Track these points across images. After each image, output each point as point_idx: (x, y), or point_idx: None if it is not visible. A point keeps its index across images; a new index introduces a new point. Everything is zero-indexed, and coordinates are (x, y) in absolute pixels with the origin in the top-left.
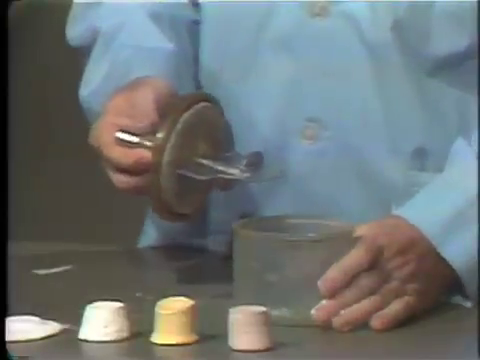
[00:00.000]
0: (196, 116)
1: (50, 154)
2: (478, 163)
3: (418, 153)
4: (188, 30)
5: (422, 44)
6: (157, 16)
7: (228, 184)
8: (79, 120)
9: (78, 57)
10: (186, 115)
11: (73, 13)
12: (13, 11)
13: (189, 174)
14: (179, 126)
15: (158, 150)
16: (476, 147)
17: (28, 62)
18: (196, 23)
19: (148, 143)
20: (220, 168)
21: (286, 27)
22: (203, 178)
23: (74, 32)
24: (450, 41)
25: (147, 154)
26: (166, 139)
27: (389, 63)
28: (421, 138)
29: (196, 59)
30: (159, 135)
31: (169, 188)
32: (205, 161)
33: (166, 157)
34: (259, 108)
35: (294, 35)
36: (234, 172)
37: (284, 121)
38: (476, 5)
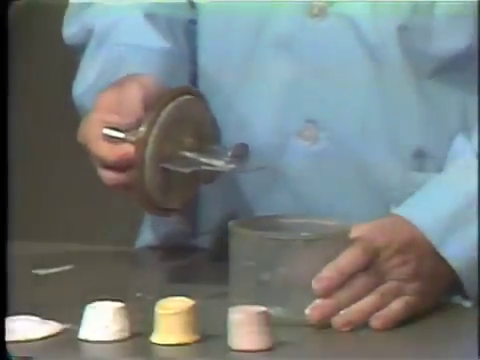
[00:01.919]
0: (179, 109)
1: (50, 154)
2: (478, 162)
3: (418, 155)
4: (185, 30)
5: (424, 45)
6: (153, 15)
7: (213, 176)
8: (79, 120)
9: (76, 56)
10: (168, 108)
11: (69, 12)
12: (13, 11)
13: (172, 167)
14: (161, 119)
15: (140, 144)
16: (476, 146)
17: (28, 62)
18: (193, 23)
19: (133, 138)
20: (204, 160)
21: (285, 28)
22: (187, 171)
23: (69, 31)
24: (452, 41)
25: (132, 150)
26: (148, 132)
27: (389, 64)
28: (421, 140)
29: (192, 59)
30: (141, 129)
31: (153, 182)
32: (189, 154)
33: (148, 151)
34: (258, 109)
35: (293, 36)
36: (218, 164)
37: (283, 122)
38: (476, 5)
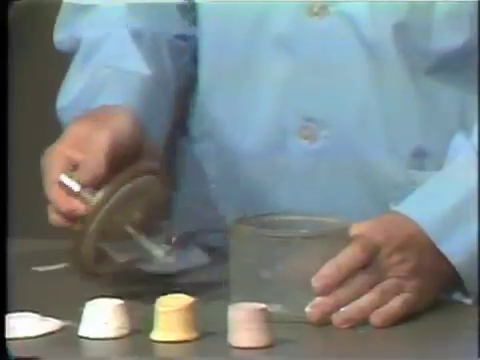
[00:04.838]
0: (137, 188)
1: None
2: (478, 159)
3: (417, 152)
4: (169, 48)
5: (423, 43)
6: (139, 34)
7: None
8: None
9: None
10: (128, 185)
11: (59, 18)
12: (13, 11)
13: (109, 253)
14: (118, 193)
15: (91, 211)
16: (475, 143)
17: (28, 62)
18: (180, 38)
19: (86, 196)
20: (145, 246)
21: (285, 26)
22: (121, 261)
23: (59, 37)
24: (449, 38)
25: (82, 207)
26: (96, 209)
27: (388, 62)
28: (420, 137)
29: (177, 79)
30: (98, 195)
31: (89, 256)
32: (132, 231)
33: (92, 226)
34: (257, 107)
35: (293, 34)
36: (158, 253)
37: (282, 120)
38: (475, 4)
